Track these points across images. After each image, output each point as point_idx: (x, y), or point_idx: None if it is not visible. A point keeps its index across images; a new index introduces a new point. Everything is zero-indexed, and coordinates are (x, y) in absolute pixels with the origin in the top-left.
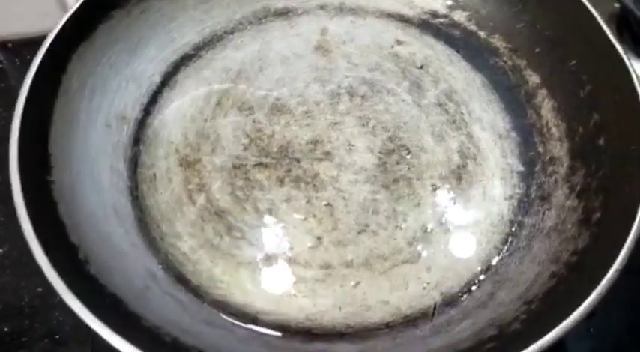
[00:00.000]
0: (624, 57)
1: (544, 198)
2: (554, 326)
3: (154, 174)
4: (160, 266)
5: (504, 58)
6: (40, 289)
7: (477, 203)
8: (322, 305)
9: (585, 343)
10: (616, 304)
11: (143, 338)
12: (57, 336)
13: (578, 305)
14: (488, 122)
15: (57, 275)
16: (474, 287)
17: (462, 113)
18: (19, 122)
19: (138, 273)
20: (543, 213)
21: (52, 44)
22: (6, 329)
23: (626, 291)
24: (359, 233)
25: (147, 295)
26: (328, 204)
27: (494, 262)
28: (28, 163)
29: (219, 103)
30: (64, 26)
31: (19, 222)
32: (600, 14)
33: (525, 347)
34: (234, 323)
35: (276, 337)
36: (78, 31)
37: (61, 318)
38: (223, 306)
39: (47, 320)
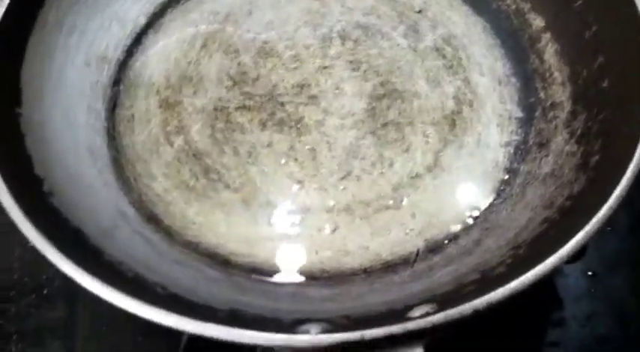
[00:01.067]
0: None
1: (542, 145)
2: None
3: (133, 115)
4: (132, 206)
5: (508, 2)
6: (31, 243)
7: (471, 150)
8: (297, 249)
9: (586, 304)
10: (620, 265)
11: (102, 270)
12: (44, 291)
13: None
14: (487, 68)
15: (13, 201)
16: (460, 235)
17: (459, 58)
18: None
19: (107, 211)
20: (540, 160)
21: None
22: None
23: (631, 253)
24: (342, 178)
25: (114, 233)
26: (312, 149)
27: (483, 210)
28: None
29: (204, 46)
30: None
31: None
32: None
33: (504, 285)
34: (204, 264)
35: (247, 278)
36: None
37: (50, 274)
38: (195, 247)
39: (36, 276)
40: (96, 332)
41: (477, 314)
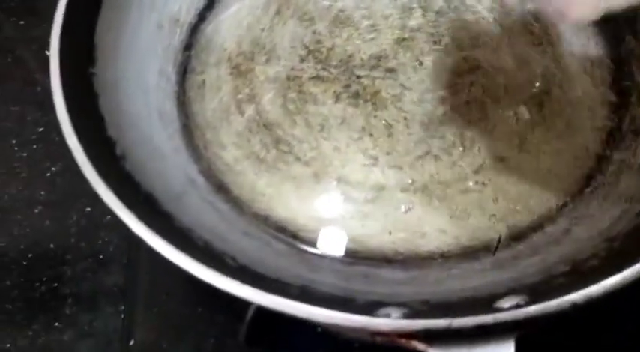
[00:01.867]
0: None
1: (638, 132)
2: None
3: (203, 81)
4: (201, 174)
5: None
6: (88, 209)
7: (559, 133)
8: (370, 227)
9: None
10: None
11: (175, 236)
12: (100, 256)
13: None
14: (579, 47)
15: (90, 163)
16: (546, 223)
17: (549, 36)
18: (64, 9)
19: (177, 177)
20: (635, 148)
21: None
22: (51, 245)
23: None
24: (419, 157)
25: (184, 199)
26: (387, 124)
27: (572, 197)
28: (71, 52)
29: (278, 12)
30: None
31: (55, 108)
32: None
33: (602, 279)
34: (273, 237)
35: (317, 255)
36: None
37: (106, 239)
38: (263, 220)
39: (92, 240)
40: (155, 300)
41: (574, 308)
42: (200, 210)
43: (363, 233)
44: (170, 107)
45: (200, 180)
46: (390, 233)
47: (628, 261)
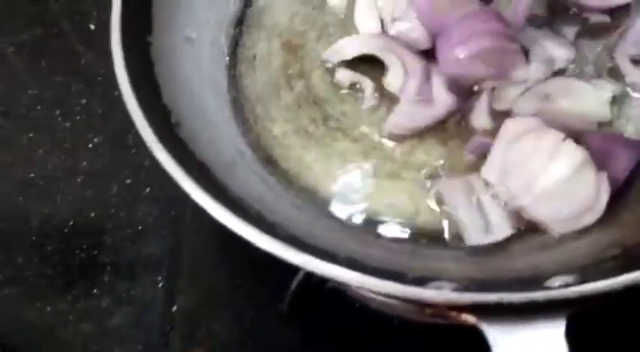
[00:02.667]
0: None
1: None
2: None
3: (254, 55)
4: (249, 147)
5: None
6: (128, 181)
7: None
8: (418, 206)
9: None
10: None
11: (230, 204)
12: (139, 227)
13: None
14: None
15: (148, 126)
16: None
17: None
18: None
19: (227, 148)
20: None
21: None
22: (92, 214)
23: None
24: None
25: (234, 170)
26: None
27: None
28: (129, 20)
29: None
30: None
31: (115, 73)
32: None
33: None
34: (321, 211)
35: (364, 231)
36: None
37: (145, 210)
38: (311, 194)
39: (132, 212)
40: (196, 271)
41: (625, 290)
42: (250, 181)
43: (411, 210)
44: (222, 79)
45: (249, 152)
46: (439, 212)
47: None
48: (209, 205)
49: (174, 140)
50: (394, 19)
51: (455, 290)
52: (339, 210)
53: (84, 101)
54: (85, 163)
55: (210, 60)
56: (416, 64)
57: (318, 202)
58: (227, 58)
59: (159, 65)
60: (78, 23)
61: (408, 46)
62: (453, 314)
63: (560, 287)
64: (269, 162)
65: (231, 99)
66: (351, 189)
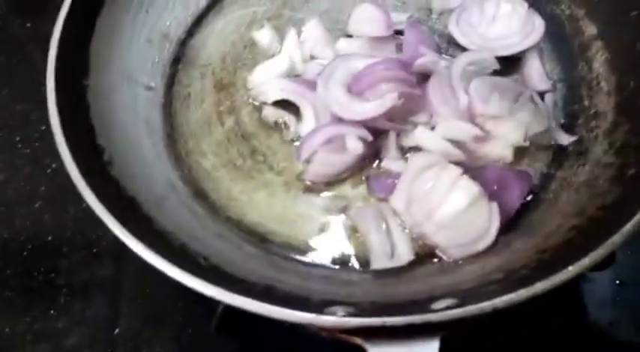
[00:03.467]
0: None
1: (581, 153)
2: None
3: (189, 93)
4: (181, 180)
5: (563, 7)
6: (84, 204)
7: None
8: (333, 233)
9: (609, 311)
10: None
11: (153, 238)
12: (94, 250)
13: (588, 254)
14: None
15: (77, 168)
16: None
17: None
18: (62, 24)
19: (159, 182)
20: (577, 168)
21: None
22: (49, 238)
23: None
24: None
25: (164, 203)
26: None
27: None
28: (66, 64)
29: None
30: None
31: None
32: None
33: (526, 287)
34: (244, 240)
35: (283, 257)
36: None
37: (100, 233)
38: (236, 224)
39: (87, 234)
40: (140, 293)
41: (496, 312)
42: (179, 213)
43: (327, 238)
44: (156, 117)
45: (180, 185)
46: (350, 238)
47: (553, 271)
48: (128, 240)
49: (104, 178)
50: (312, 57)
51: (347, 314)
52: (261, 237)
53: (43, 127)
54: (43, 188)
55: (146, 99)
56: (327, 113)
57: (242, 232)
58: (163, 97)
59: (95, 107)
60: (42, 50)
61: None
62: (343, 335)
63: (436, 311)
64: (199, 194)
65: (165, 136)
66: (273, 219)
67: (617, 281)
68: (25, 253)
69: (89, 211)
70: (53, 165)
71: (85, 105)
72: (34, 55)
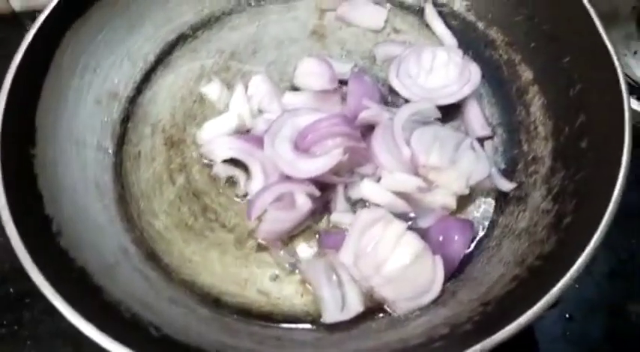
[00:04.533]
0: (615, 59)
1: (521, 199)
2: (500, 329)
3: (139, 152)
4: (133, 243)
5: (500, 52)
6: None
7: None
8: (286, 290)
9: (561, 347)
10: (596, 310)
11: (102, 312)
12: None
13: (526, 310)
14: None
15: (23, 246)
16: None
17: None
18: (6, 95)
19: (110, 248)
20: (518, 214)
21: (46, 18)
22: (11, 289)
23: (607, 298)
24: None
25: (116, 270)
26: None
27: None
28: (12, 136)
29: (209, 83)
30: (58, 2)
31: None
32: (624, 6)
33: (468, 347)
34: (197, 303)
35: (235, 319)
36: (74, 6)
37: None
38: (190, 286)
39: None
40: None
41: None
42: (131, 279)
43: (280, 296)
44: (107, 178)
45: (132, 248)
46: (302, 295)
47: (495, 328)
48: (77, 322)
49: (52, 250)
50: (260, 111)
51: None
52: (214, 299)
53: None
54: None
55: (96, 161)
56: (275, 170)
57: (196, 294)
58: (113, 157)
59: (42, 176)
60: None
61: None
62: None
63: None
64: (151, 257)
65: (117, 198)
66: (225, 279)
67: (567, 315)
68: None
69: None
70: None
71: (33, 176)
72: None
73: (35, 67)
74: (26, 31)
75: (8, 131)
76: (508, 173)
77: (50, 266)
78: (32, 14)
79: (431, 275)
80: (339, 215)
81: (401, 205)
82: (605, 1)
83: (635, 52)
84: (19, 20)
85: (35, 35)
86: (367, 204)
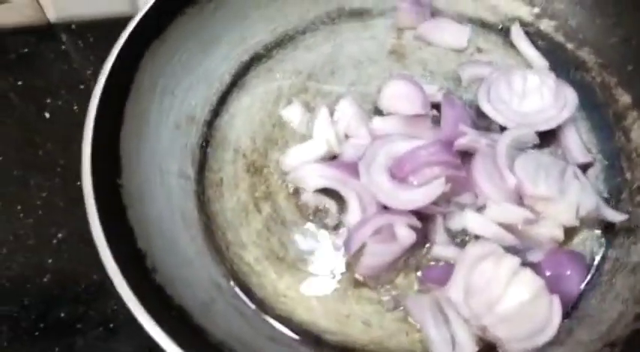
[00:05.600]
0: None
1: (630, 230)
2: None
3: (221, 179)
4: (224, 277)
5: (593, 74)
6: (95, 276)
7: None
8: (388, 328)
9: None
10: None
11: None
12: (111, 325)
13: None
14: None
15: (131, 292)
16: None
17: None
18: (93, 123)
19: (203, 284)
20: (629, 247)
21: (125, 43)
22: (62, 314)
23: None
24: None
25: (212, 307)
26: None
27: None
28: (100, 166)
29: (288, 105)
30: (136, 25)
31: (91, 230)
32: None
33: None
34: (297, 341)
35: None
36: (150, 29)
37: (115, 307)
38: (287, 323)
39: (102, 309)
40: None
41: None
42: (227, 316)
43: (382, 334)
44: (191, 207)
45: (224, 283)
46: (407, 334)
47: None
48: None
49: (151, 288)
50: (347, 136)
51: None
52: (315, 337)
53: (44, 194)
54: (50, 260)
55: (179, 189)
56: (372, 200)
57: (294, 332)
58: (195, 184)
59: (131, 208)
60: (33, 110)
61: None
62: None
63: None
64: (245, 291)
65: (203, 228)
66: (324, 316)
67: None
68: (37, 333)
69: (102, 283)
70: (59, 235)
71: (122, 208)
72: (27, 115)
73: (117, 93)
74: (62, 43)
75: (97, 161)
76: (612, 203)
77: (152, 306)
78: (68, 25)
79: (547, 314)
80: (441, 248)
81: (507, 238)
82: None
83: None
84: (53, 32)
85: (115, 60)
86: (468, 236)
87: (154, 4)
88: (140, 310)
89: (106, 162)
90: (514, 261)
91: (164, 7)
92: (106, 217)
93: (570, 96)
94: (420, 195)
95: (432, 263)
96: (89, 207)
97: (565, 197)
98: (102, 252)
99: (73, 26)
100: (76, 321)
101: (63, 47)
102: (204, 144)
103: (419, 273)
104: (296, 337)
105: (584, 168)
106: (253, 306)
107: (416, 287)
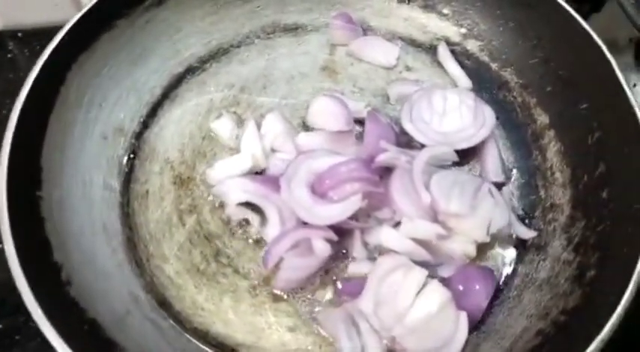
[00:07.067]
0: (636, 109)
1: (540, 247)
2: None
3: (147, 191)
4: (143, 290)
5: (514, 94)
6: None
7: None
8: (304, 342)
9: None
10: None
11: None
12: None
13: None
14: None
15: (35, 300)
16: None
17: None
18: (12, 135)
19: (120, 296)
20: (538, 263)
21: (51, 54)
22: (0, 326)
23: None
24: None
25: (127, 321)
26: None
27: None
28: (18, 178)
29: (219, 119)
30: (64, 36)
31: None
32: (620, 39)
33: None
34: None
35: None
36: (79, 41)
37: None
38: (203, 336)
39: None
40: None
41: None
42: (142, 330)
43: (297, 347)
44: (114, 219)
45: (142, 295)
46: (320, 347)
47: None
48: None
49: (64, 302)
50: (273, 150)
51: None
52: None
53: None
54: None
55: (103, 201)
56: (292, 215)
57: (210, 345)
58: (120, 196)
59: (49, 220)
60: None
61: None
62: None
63: None
64: (163, 304)
65: (125, 240)
66: (240, 329)
67: None
68: None
69: None
70: None
71: (39, 220)
72: None
73: (41, 105)
74: (9, 51)
75: (15, 173)
76: (525, 219)
77: (61, 320)
78: (15, 33)
79: (453, 328)
80: (357, 265)
81: (421, 253)
82: (602, 33)
83: (634, 85)
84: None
85: (40, 71)
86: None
87: (82, 16)
88: (45, 323)
89: (26, 174)
90: (422, 272)
91: (93, 19)
92: (20, 229)
93: (489, 115)
94: (337, 211)
95: (349, 276)
96: (2, 219)
97: (477, 213)
98: (11, 264)
99: (20, 34)
100: (14, 332)
101: (9, 56)
102: (131, 155)
103: (338, 286)
104: (211, 351)
105: (501, 185)
106: (170, 320)
107: (332, 299)
